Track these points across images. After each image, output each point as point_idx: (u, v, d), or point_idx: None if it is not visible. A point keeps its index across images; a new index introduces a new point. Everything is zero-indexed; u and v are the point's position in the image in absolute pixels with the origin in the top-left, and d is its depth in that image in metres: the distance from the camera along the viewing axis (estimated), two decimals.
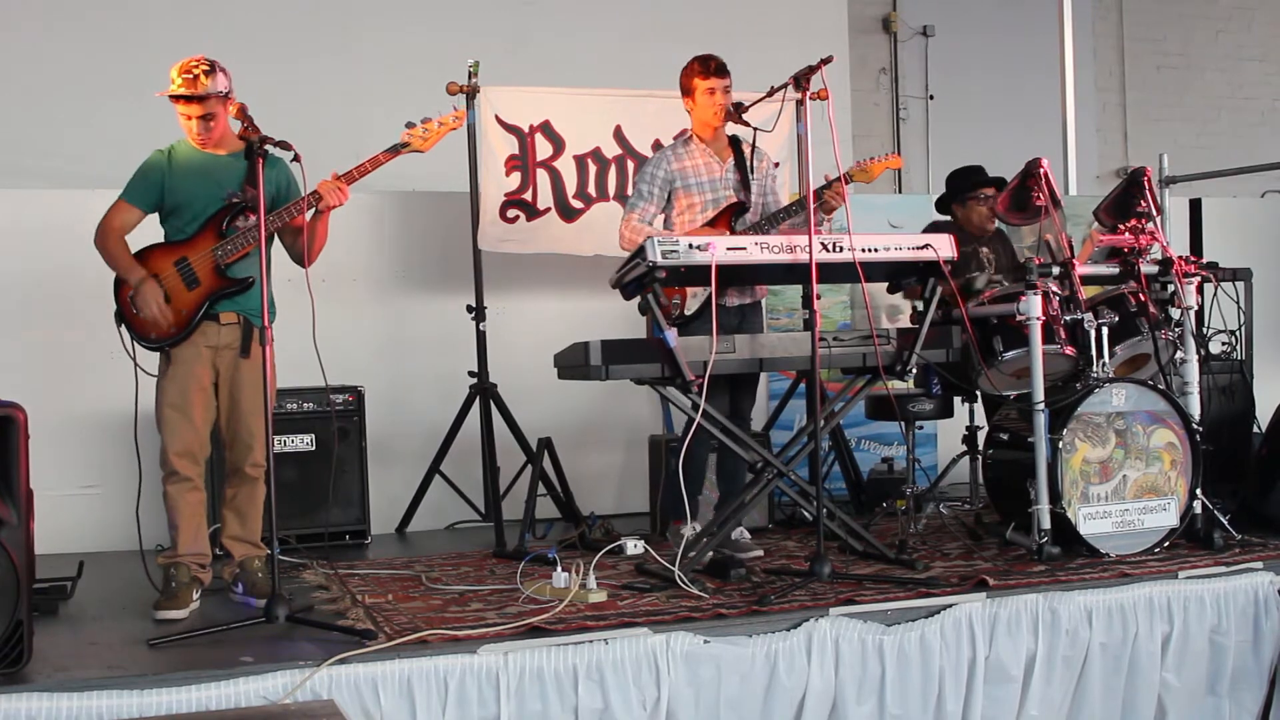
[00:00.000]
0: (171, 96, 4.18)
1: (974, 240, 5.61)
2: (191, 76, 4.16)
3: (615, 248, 5.04)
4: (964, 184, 5.82)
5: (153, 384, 4.25)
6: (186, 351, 4.23)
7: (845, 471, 6.14)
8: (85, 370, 5.55)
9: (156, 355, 4.26)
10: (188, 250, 4.23)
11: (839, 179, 4.83)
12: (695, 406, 4.29)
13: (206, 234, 4.23)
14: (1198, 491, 4.68)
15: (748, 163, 4.97)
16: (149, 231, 4.32)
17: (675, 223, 4.96)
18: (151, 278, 4.20)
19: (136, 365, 4.13)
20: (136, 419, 4.18)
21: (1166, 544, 4.61)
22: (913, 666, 3.87)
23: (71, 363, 5.60)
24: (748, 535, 4.94)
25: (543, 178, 5.96)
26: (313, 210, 4.22)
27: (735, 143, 5.02)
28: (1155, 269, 4.82)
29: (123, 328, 4.22)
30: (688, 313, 4.79)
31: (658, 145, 5.64)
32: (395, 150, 4.35)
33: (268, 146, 3.99)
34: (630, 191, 5.16)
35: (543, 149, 5.96)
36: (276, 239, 4.37)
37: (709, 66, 4.87)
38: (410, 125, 4.38)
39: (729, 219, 4.92)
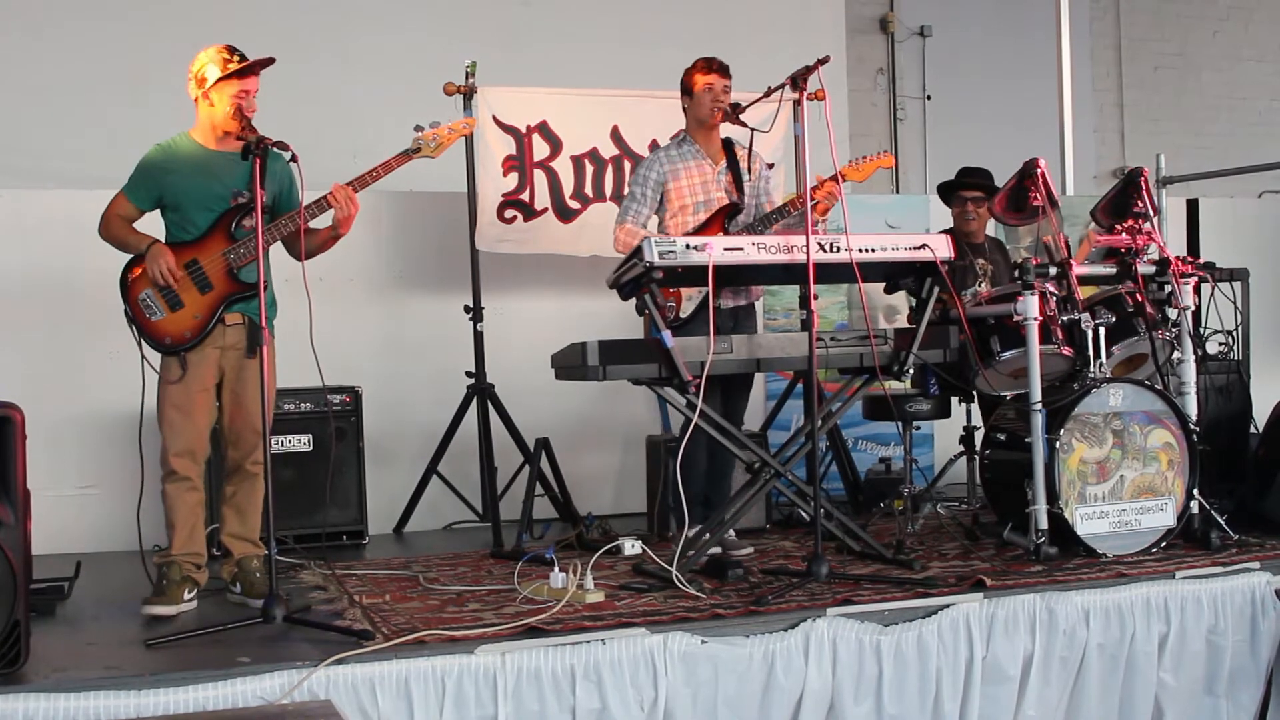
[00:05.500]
0: (234, 74, 4.11)
1: (969, 251, 5.57)
2: (240, 53, 4.13)
3: (612, 248, 5.05)
4: (950, 183, 5.77)
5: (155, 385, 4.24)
6: (196, 355, 4.20)
7: (843, 472, 6.14)
8: (83, 371, 5.56)
9: (158, 355, 4.22)
10: (198, 252, 4.17)
11: (831, 178, 4.83)
12: (691, 407, 4.29)
13: (216, 235, 4.18)
14: (1195, 492, 4.68)
15: (741, 165, 4.97)
16: (151, 225, 4.29)
17: (668, 225, 4.97)
18: (159, 241, 4.16)
19: (146, 365, 4.11)
20: (142, 420, 4.18)
21: (1164, 544, 4.60)
22: (910, 667, 3.87)
23: (70, 363, 5.59)
24: (731, 534, 4.94)
25: (540, 178, 5.96)
26: (328, 226, 4.20)
27: (729, 145, 5.04)
28: (1152, 269, 4.82)
29: (134, 329, 4.17)
30: (683, 315, 4.80)
31: (655, 146, 5.64)
32: (407, 155, 4.29)
33: (265, 145, 3.96)
34: (625, 193, 5.17)
35: (540, 149, 5.95)
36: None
37: (712, 64, 4.93)
38: (419, 128, 4.31)
39: (722, 221, 4.92)
